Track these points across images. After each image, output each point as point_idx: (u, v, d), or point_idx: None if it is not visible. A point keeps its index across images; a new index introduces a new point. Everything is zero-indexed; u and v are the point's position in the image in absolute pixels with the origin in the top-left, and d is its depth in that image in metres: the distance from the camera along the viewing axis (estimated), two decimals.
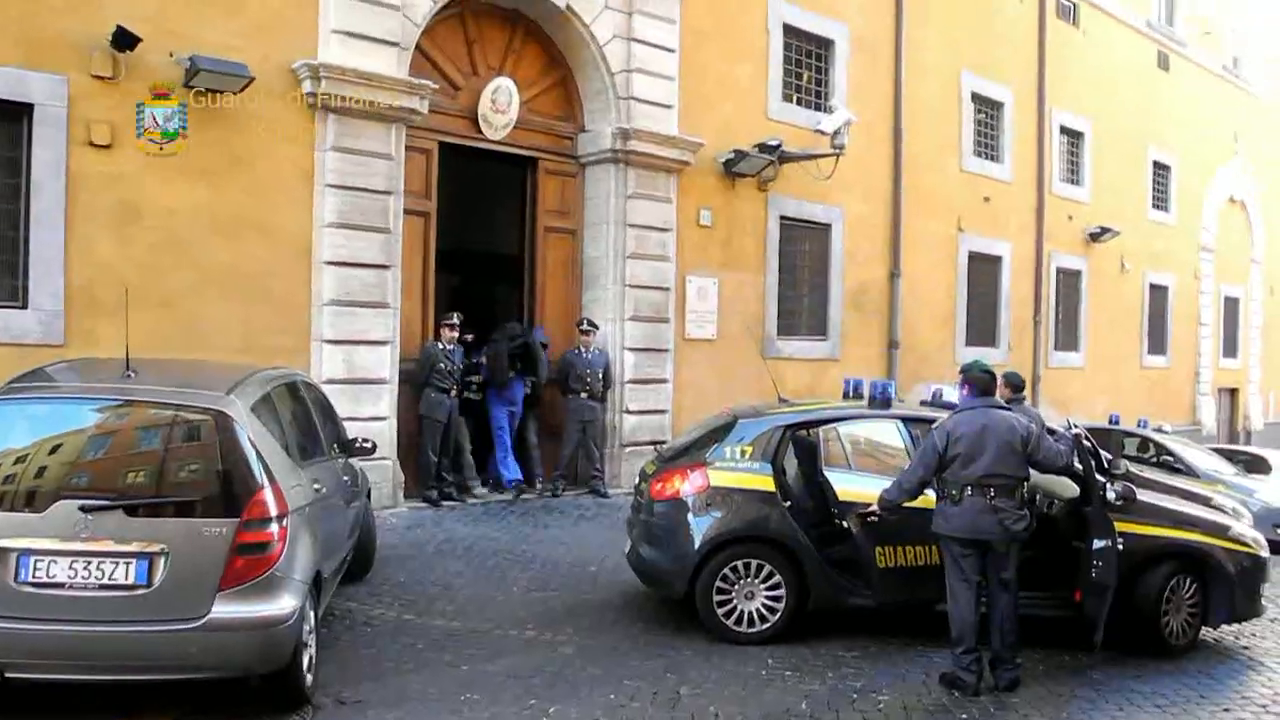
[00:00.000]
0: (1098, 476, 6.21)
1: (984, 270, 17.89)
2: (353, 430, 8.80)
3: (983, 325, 17.97)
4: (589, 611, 7.41)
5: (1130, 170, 21.68)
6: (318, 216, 9.69)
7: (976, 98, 17.53)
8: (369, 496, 8.11)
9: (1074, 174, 20.15)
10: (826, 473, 7.34)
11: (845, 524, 6.71)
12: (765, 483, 6.85)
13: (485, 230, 13.31)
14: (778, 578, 6.75)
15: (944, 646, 6.61)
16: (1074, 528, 6.43)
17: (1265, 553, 7.26)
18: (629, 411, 12.42)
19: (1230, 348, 26.09)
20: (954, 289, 17.27)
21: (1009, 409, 6.14)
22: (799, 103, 14.54)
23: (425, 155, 10.95)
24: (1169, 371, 23.30)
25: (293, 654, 4.91)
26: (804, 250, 14.80)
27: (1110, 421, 15.46)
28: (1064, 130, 19.70)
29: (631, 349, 12.39)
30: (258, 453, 4.87)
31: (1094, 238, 20.18)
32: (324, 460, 6.29)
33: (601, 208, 12.32)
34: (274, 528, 4.80)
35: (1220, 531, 7.10)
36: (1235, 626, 7.47)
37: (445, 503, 10.74)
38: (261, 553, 4.76)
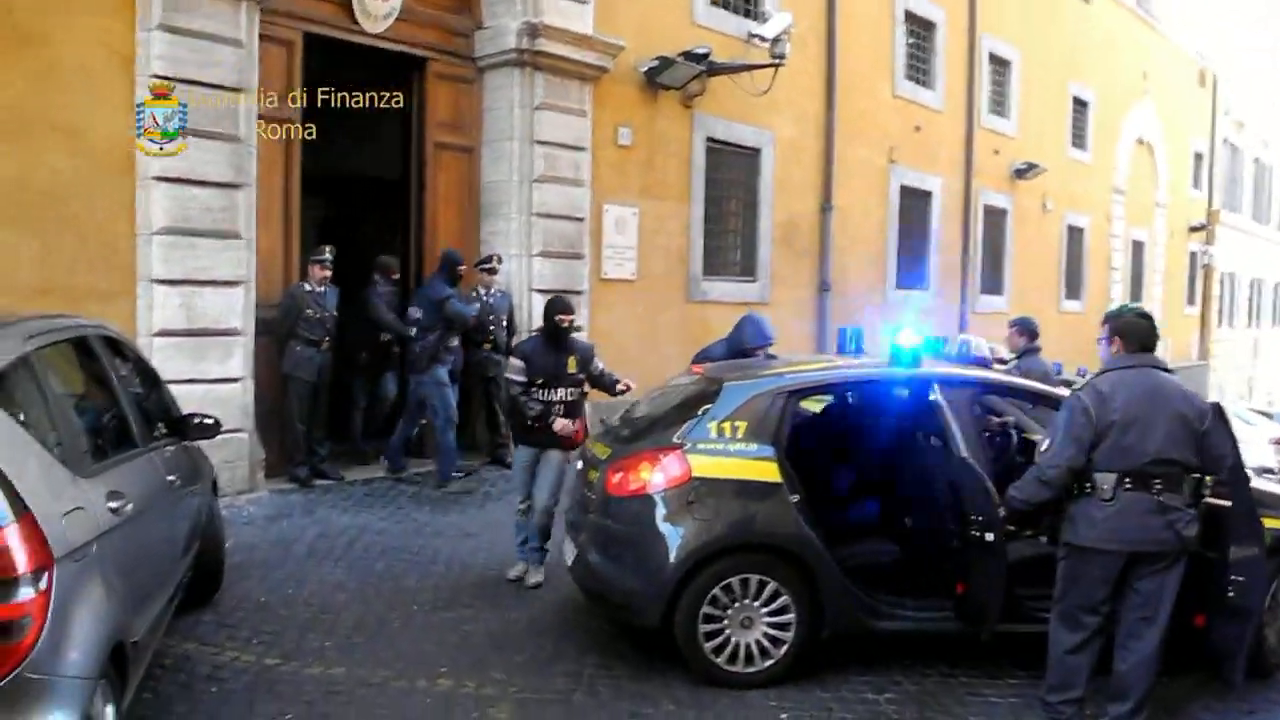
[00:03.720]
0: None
1: (914, 206, 16.37)
2: (194, 397, 6.76)
3: (912, 265, 16.50)
4: (519, 641, 5.52)
5: (1053, 105, 20.49)
6: None
7: (910, 16, 15.89)
8: (215, 488, 6.01)
9: (1001, 106, 18.78)
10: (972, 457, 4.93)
11: (987, 536, 4.68)
12: (767, 471, 5.02)
13: (362, 147, 11.02)
14: (785, 598, 4.97)
15: (996, 679, 5.08)
16: None
17: None
18: None
19: (1135, 293, 25.46)
20: (884, 225, 15.71)
21: (1171, 371, 4.42)
22: (727, 6, 12.61)
23: (287, 48, 8.69)
24: (1083, 316, 22.37)
25: None
26: (731, 178, 12.96)
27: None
28: (993, 58, 18.26)
29: (540, 290, 10.36)
30: None
31: (1019, 174, 18.91)
32: (136, 454, 4.20)
33: (504, 121, 10.23)
34: (25, 594, 2.76)
35: None
36: None
37: (318, 482, 8.65)
38: (3, 641, 2.73)
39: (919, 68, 16.36)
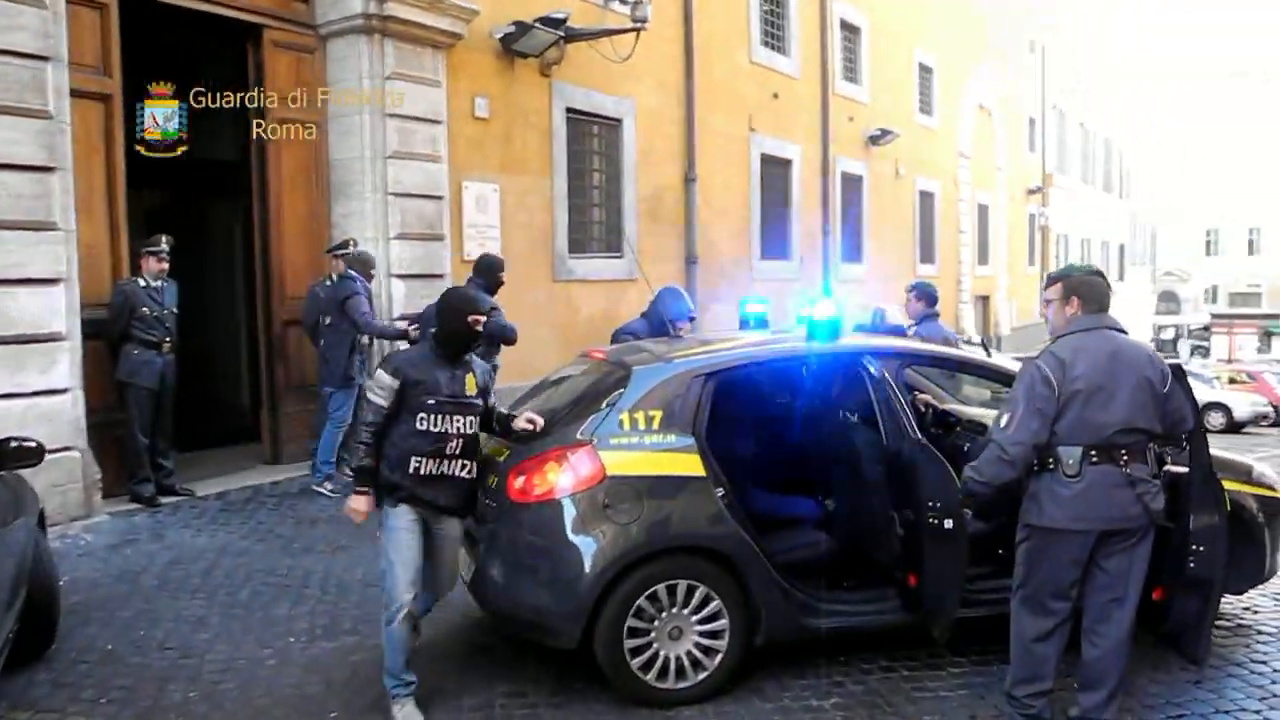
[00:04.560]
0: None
1: (776, 175, 16.15)
2: (13, 415, 5.93)
3: (775, 236, 16.28)
4: (417, 671, 4.80)
5: (901, 71, 20.67)
6: None
7: None
8: (43, 520, 5.16)
9: (853, 72, 18.75)
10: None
11: (946, 523, 4.31)
12: (689, 463, 4.53)
13: (194, 126, 9.99)
14: (716, 603, 4.50)
15: (938, 669, 4.85)
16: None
17: None
18: None
19: (983, 255, 26.12)
20: (748, 195, 15.42)
21: (1126, 332, 4.07)
22: None
23: (100, 12, 7.68)
24: (937, 280, 22.69)
25: None
26: (593, 150, 12.41)
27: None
28: (844, 24, 18.21)
29: (400, 275, 9.66)
30: None
31: (873, 141, 18.97)
32: None
33: (352, 93, 9.39)
34: None
35: (1245, 474, 5.43)
36: None
37: (165, 499, 7.74)
38: None
39: (774, 34, 16.11)
